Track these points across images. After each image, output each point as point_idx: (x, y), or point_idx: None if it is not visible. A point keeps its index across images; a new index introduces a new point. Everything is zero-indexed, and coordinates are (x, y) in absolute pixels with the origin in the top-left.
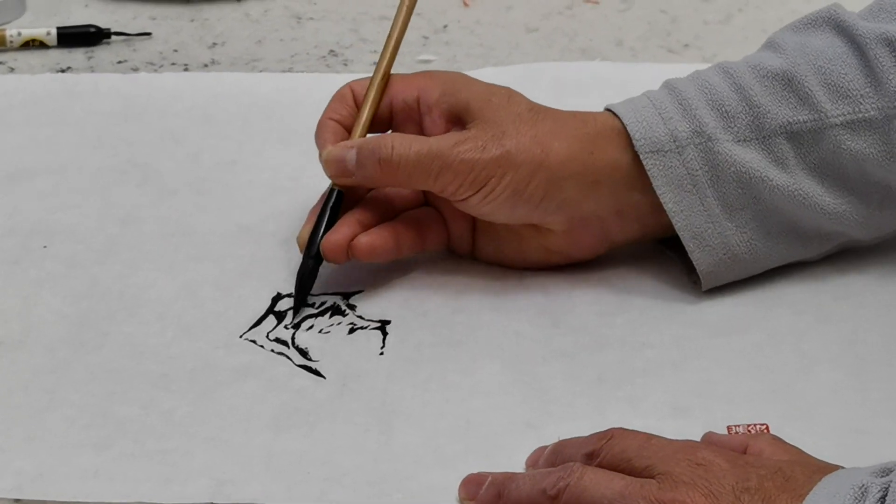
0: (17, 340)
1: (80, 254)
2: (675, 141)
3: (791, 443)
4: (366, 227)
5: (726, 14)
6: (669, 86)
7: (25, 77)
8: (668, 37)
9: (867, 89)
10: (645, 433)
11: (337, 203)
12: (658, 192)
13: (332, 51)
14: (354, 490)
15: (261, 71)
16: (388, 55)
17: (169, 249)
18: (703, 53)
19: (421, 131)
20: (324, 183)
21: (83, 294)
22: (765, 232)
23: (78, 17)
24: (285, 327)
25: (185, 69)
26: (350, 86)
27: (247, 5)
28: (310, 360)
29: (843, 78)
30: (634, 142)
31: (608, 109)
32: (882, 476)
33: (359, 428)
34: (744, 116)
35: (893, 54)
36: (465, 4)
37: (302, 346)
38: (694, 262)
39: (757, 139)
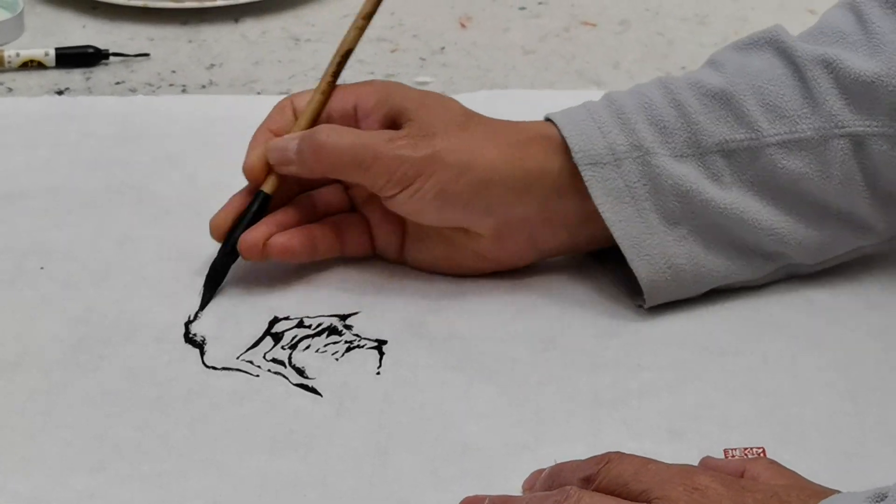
0: (12, 362)
1: (77, 275)
2: (613, 154)
3: (787, 467)
4: (284, 228)
5: (723, 37)
6: (609, 98)
7: (22, 99)
8: (664, 59)
9: (804, 110)
10: (642, 457)
11: (263, 205)
12: (596, 202)
13: None
14: None
15: (258, 92)
16: (336, 61)
17: (165, 271)
18: None
19: None
20: None
21: (79, 316)
22: (704, 245)
23: (76, 38)
24: (282, 348)
25: (183, 90)
26: (290, 98)
27: (244, 26)
28: (306, 377)
29: (781, 98)
30: (574, 154)
31: (548, 119)
32: (878, 501)
33: (355, 451)
34: (681, 133)
35: (831, 76)
36: (463, 26)
37: (299, 365)
38: (635, 272)
39: (694, 155)
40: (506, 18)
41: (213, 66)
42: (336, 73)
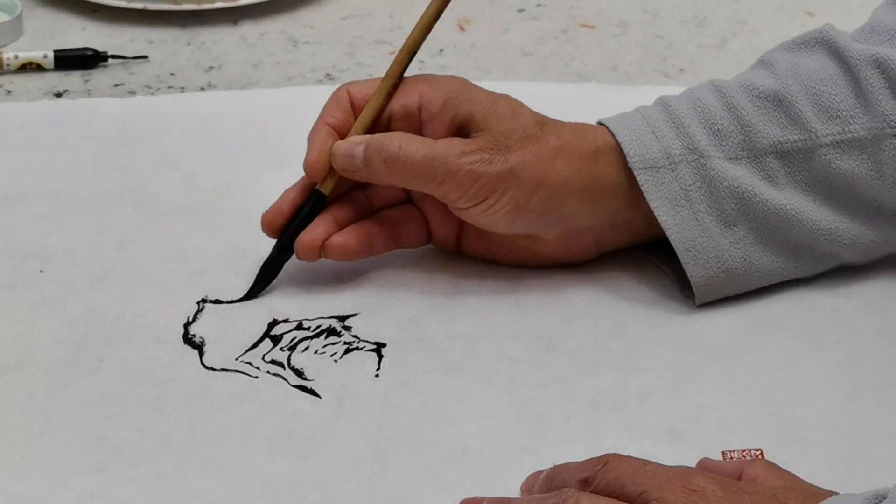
0: (13, 363)
1: (76, 278)
2: (668, 157)
3: (785, 469)
4: (341, 225)
5: (721, 39)
6: (663, 103)
7: (23, 104)
8: (663, 61)
9: (857, 110)
10: (640, 459)
11: (317, 206)
12: (652, 206)
13: (328, 74)
14: None
15: None
16: (401, 60)
17: (165, 273)
18: (698, 78)
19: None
20: None
21: (79, 318)
22: (759, 247)
23: (75, 41)
24: (281, 349)
25: (182, 92)
26: (347, 88)
27: (243, 29)
28: (305, 379)
29: (834, 98)
30: (628, 158)
31: (601, 123)
32: (876, 502)
33: (354, 452)
34: (735, 135)
35: (883, 75)
36: (461, 28)
37: (297, 366)
38: (689, 275)
39: (748, 157)
40: (504, 20)
41: (211, 68)
42: (400, 75)
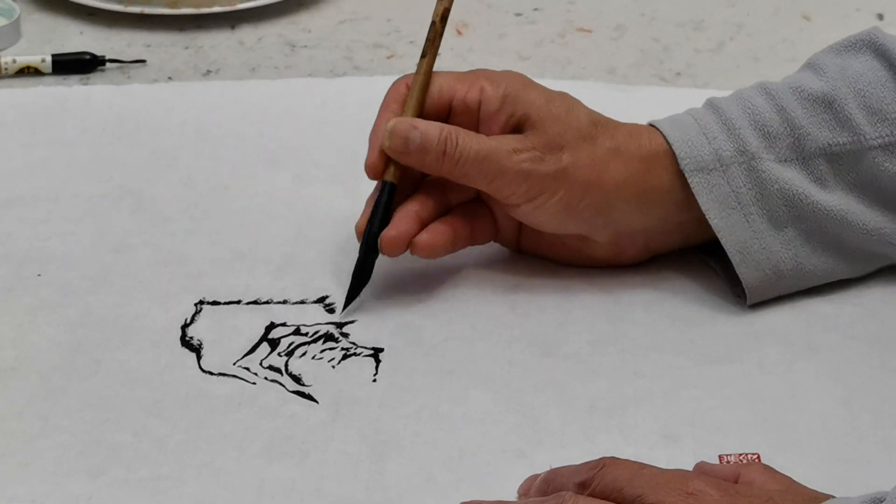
0: (10, 367)
1: (74, 282)
2: (719, 160)
3: (782, 472)
4: (423, 221)
5: (718, 42)
6: (713, 105)
7: (17, 90)
8: (660, 65)
9: None
10: (637, 462)
11: (391, 197)
12: (704, 208)
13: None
14: None
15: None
16: (429, 41)
17: (163, 277)
18: (695, 81)
19: (476, 132)
20: (319, 210)
21: (77, 322)
22: (810, 249)
23: (73, 45)
24: (279, 355)
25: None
26: (405, 81)
27: (241, 33)
28: (303, 385)
29: (882, 101)
30: (680, 160)
31: (652, 125)
32: None
33: (351, 456)
34: (785, 138)
35: None
36: (459, 33)
37: (295, 372)
38: (740, 277)
39: (797, 160)
40: (501, 25)
41: (209, 72)
42: (434, 50)
